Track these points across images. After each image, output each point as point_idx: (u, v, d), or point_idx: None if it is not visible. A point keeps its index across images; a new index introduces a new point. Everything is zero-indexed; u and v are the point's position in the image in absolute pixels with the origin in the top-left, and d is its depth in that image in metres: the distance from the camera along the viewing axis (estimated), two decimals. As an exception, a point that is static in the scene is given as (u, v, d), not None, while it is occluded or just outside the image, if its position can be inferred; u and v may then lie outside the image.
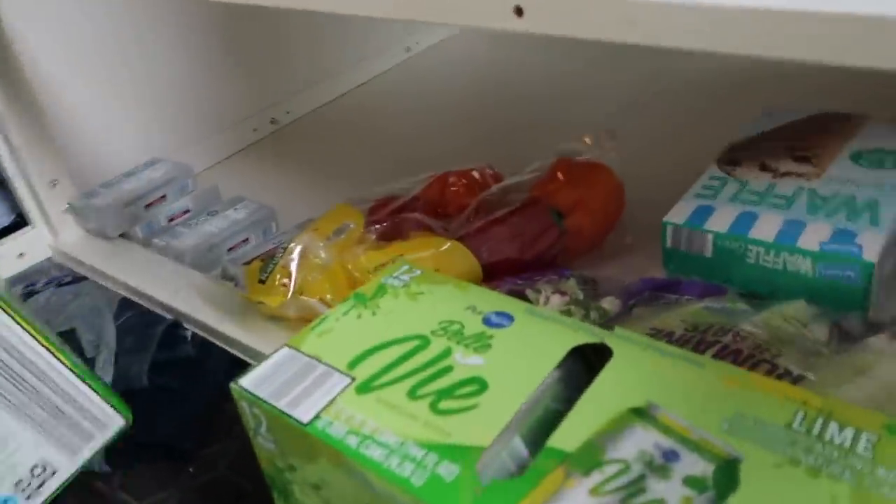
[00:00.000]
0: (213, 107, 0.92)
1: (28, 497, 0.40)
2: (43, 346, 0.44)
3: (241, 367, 0.60)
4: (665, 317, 0.46)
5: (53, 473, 0.41)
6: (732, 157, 0.63)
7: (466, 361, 0.29)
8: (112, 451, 0.51)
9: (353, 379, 0.29)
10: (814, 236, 0.50)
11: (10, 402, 0.41)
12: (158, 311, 0.65)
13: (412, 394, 0.28)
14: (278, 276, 0.56)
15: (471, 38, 1.20)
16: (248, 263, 0.66)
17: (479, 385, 0.28)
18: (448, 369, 0.29)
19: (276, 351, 0.31)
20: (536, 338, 0.30)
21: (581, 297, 0.48)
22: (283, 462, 0.30)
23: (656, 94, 0.93)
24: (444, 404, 0.27)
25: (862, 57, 0.21)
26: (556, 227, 0.60)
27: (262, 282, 0.57)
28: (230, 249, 0.71)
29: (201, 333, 0.61)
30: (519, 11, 0.26)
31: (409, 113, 1.00)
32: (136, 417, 0.52)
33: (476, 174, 0.66)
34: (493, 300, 0.33)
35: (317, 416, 0.28)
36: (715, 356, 0.40)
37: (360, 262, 0.53)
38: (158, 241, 0.71)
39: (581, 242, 0.62)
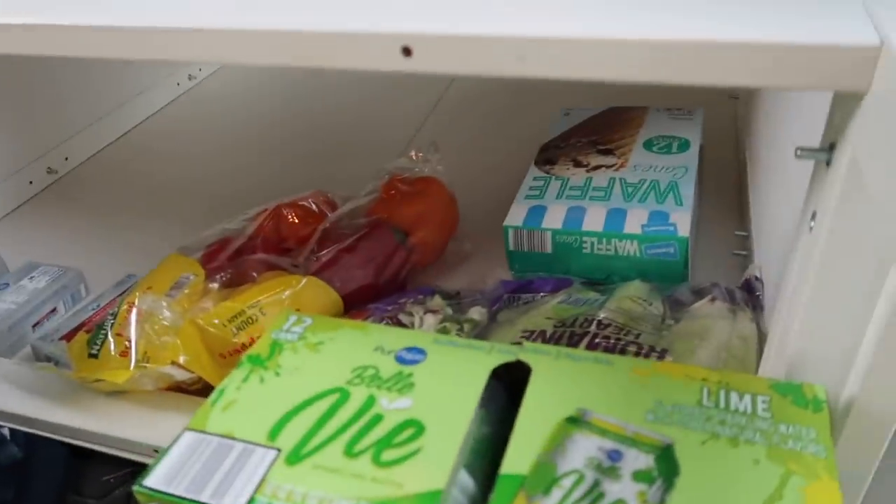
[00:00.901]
0: (-26, 162, 0.79)
1: None
2: None
3: (83, 455, 0.53)
4: (530, 317, 0.49)
5: None
6: (547, 157, 0.68)
7: (394, 406, 0.28)
8: None
9: (279, 450, 0.27)
10: (635, 221, 0.56)
11: None
12: (-42, 413, 0.54)
13: (349, 452, 0.27)
14: (114, 347, 0.50)
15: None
16: (66, 338, 0.58)
17: (416, 427, 0.27)
18: (378, 418, 0.28)
19: (177, 438, 0.28)
20: (454, 367, 0.30)
21: (451, 312, 0.49)
22: (209, 559, 0.27)
23: (451, 103, 0.98)
24: (387, 455, 0.26)
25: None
26: (402, 246, 0.61)
27: (93, 356, 0.51)
28: (35, 325, 0.62)
29: (23, 429, 0.52)
30: (407, 52, 0.26)
31: (205, 146, 0.94)
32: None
33: (310, 203, 0.64)
34: (397, 336, 0.32)
35: (251, 501, 0.25)
36: (588, 347, 0.43)
37: (213, 315, 0.49)
38: (-61, 331, 0.59)
39: (425, 257, 0.64)
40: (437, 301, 0.50)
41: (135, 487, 0.26)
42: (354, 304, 0.56)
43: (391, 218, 0.62)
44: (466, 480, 0.27)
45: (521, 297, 0.53)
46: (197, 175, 0.87)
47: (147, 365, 0.48)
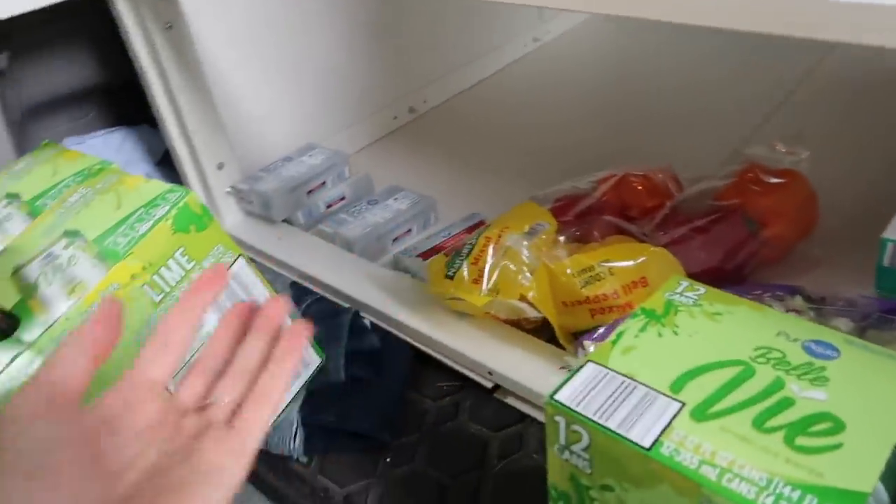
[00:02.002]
0: (359, 94, 0.92)
1: None
2: (269, 293, 0.49)
3: (422, 359, 0.60)
4: (910, 343, 0.44)
5: None
6: (943, 171, 0.59)
7: (807, 395, 0.27)
8: (308, 438, 0.52)
9: (683, 403, 0.28)
10: None
11: None
12: (331, 297, 0.65)
13: (758, 426, 0.27)
14: (467, 273, 0.55)
15: (597, 28, 1.17)
16: (422, 256, 0.66)
17: (833, 422, 0.26)
18: (789, 402, 0.27)
19: (581, 366, 0.31)
20: (874, 372, 0.28)
21: (812, 315, 0.45)
22: (592, 481, 0.29)
23: (807, 91, 0.88)
24: (801, 441, 0.26)
25: None
26: (754, 237, 0.58)
27: (448, 277, 0.56)
28: (394, 240, 0.71)
29: (381, 324, 0.61)
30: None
31: (547, 104, 0.98)
32: (333, 406, 0.53)
33: (659, 177, 0.63)
34: (801, 326, 0.31)
35: (657, 442, 0.27)
36: None
37: (566, 265, 0.52)
38: (325, 228, 0.71)
39: (774, 253, 0.60)
40: (798, 301, 0.47)
41: (547, 400, 0.29)
42: (694, 285, 0.55)
43: (745, 206, 0.59)
44: (883, 493, 0.25)
45: (894, 320, 0.47)
46: (531, 130, 0.91)
47: (498, 295, 0.53)
